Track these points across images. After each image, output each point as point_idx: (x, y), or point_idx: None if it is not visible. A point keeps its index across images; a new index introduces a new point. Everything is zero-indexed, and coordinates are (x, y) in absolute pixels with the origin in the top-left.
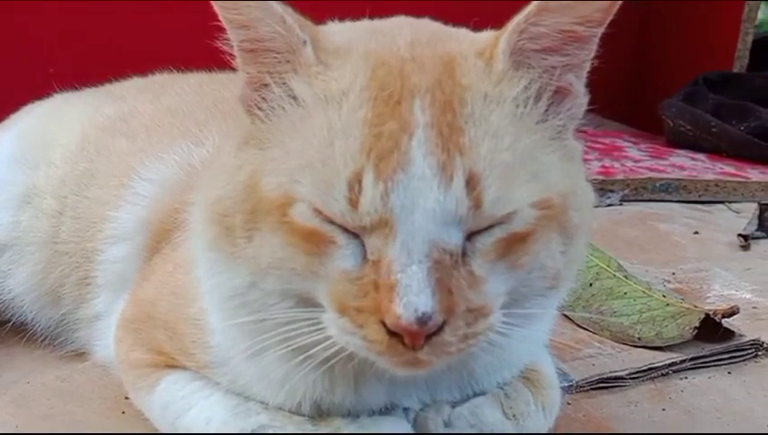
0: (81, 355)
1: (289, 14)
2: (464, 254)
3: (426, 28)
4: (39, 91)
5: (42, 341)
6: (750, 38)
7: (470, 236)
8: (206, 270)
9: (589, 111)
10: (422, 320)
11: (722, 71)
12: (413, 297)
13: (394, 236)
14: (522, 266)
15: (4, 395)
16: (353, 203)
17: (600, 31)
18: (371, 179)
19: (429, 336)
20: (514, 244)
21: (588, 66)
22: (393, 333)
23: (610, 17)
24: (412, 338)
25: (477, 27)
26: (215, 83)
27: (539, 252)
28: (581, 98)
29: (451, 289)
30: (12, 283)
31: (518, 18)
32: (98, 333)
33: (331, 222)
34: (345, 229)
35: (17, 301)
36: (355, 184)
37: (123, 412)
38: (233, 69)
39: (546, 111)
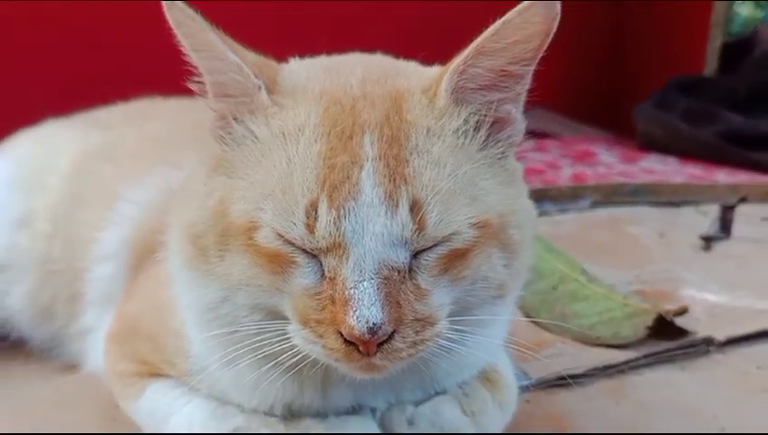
0: (73, 367)
1: (247, 61)
2: (410, 270)
3: (377, 65)
4: (22, 118)
5: (37, 355)
6: (719, 42)
7: (416, 254)
8: (183, 286)
9: (571, 116)
10: (373, 330)
11: (693, 75)
12: (365, 310)
13: (347, 257)
14: (464, 279)
15: (2, 405)
16: (310, 228)
17: (533, 67)
18: (326, 207)
19: (381, 344)
20: (456, 259)
21: (524, 96)
22: (350, 342)
23: (541, 54)
24: (365, 346)
25: (426, 60)
26: (192, 109)
27: (480, 266)
28: (520, 124)
29: (399, 302)
30: (9, 301)
31: (458, 60)
32: (88, 345)
33: (292, 244)
34: (304, 251)
35: (15, 318)
36: (312, 211)
37: (114, 419)
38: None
39: (486, 140)
